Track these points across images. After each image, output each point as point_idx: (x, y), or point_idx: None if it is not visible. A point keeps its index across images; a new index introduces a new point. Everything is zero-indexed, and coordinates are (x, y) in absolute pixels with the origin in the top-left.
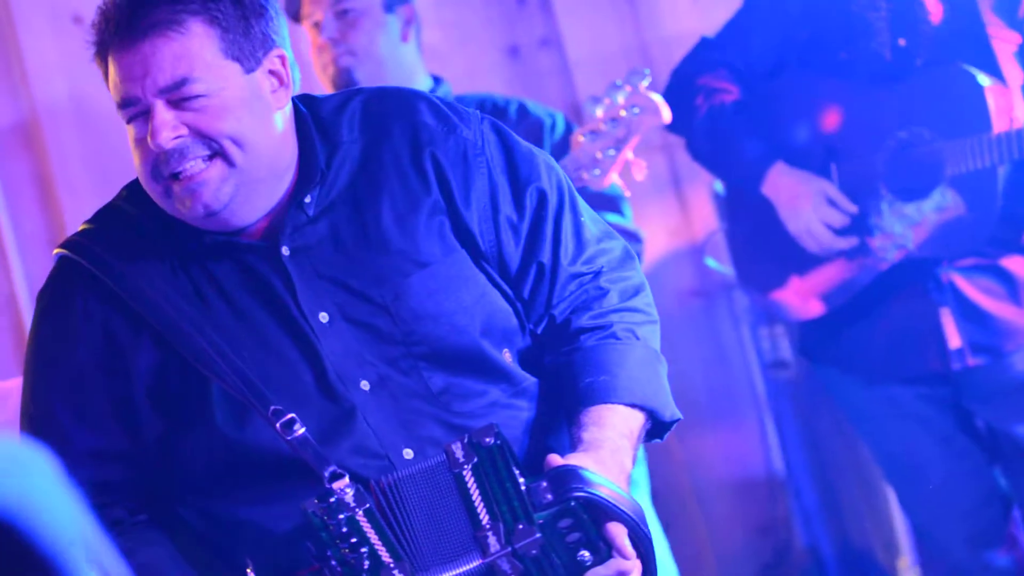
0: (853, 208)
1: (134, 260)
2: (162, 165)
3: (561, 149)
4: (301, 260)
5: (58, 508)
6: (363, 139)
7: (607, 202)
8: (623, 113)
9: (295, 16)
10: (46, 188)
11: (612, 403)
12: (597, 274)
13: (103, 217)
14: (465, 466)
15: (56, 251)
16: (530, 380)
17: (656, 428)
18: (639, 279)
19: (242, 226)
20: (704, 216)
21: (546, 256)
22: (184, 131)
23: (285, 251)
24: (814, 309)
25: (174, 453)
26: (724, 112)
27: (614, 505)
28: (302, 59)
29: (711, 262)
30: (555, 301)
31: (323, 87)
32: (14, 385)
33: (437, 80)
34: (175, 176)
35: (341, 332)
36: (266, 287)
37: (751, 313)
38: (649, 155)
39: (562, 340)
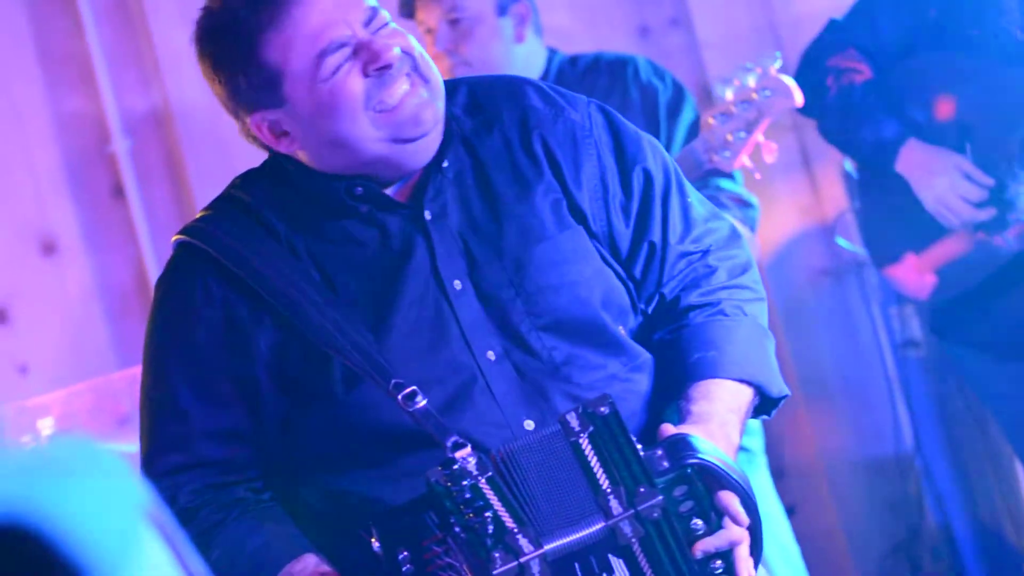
0: (990, 181)
1: (252, 243)
2: (375, 90)
3: (673, 110)
4: (441, 226)
5: (98, 513)
6: (473, 122)
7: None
8: (754, 96)
9: (409, 14)
10: (178, 176)
11: (720, 378)
12: (705, 253)
13: (219, 204)
14: (581, 435)
15: (175, 238)
16: (646, 355)
17: (764, 404)
18: (746, 257)
19: (425, 164)
20: (834, 195)
21: (656, 236)
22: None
23: (427, 215)
24: (928, 283)
25: (297, 432)
26: (854, 92)
27: (727, 473)
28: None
29: (842, 241)
30: (665, 280)
31: None
32: None
33: (552, 51)
34: (383, 107)
35: (471, 301)
36: (407, 250)
37: (881, 292)
38: (779, 135)
39: (671, 317)
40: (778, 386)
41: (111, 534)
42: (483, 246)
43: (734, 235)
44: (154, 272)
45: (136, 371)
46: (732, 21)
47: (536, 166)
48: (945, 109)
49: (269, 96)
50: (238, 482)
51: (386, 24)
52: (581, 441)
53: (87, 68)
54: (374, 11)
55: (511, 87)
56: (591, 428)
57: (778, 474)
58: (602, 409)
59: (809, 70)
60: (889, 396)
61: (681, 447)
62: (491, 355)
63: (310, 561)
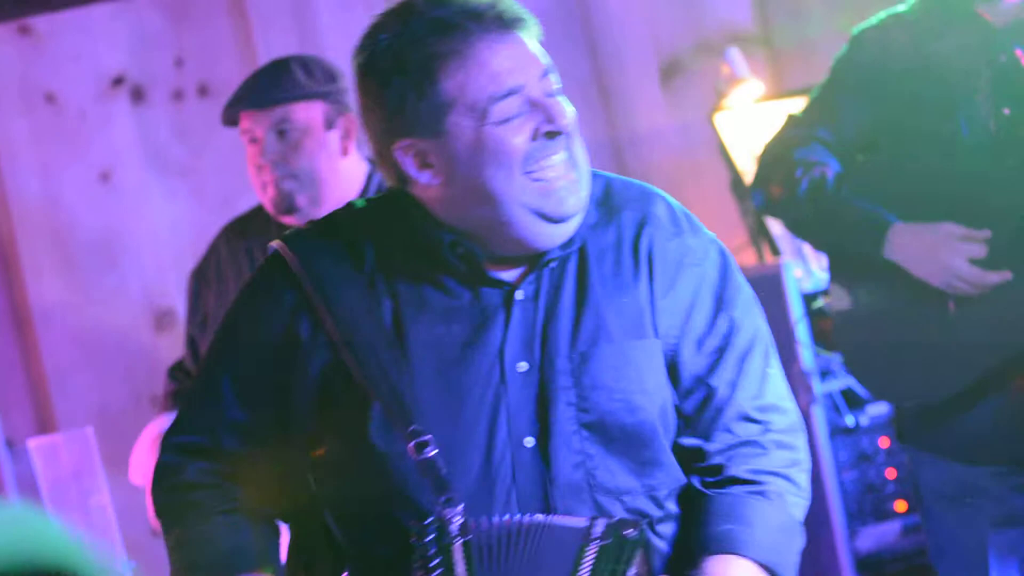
0: (986, 233)
1: (334, 269)
2: (536, 152)
3: None
4: (527, 307)
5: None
6: (598, 214)
7: None
8: None
9: (232, 121)
10: (11, 267)
11: (742, 555)
12: (766, 429)
13: (321, 224)
14: (595, 542)
15: (272, 243)
16: (681, 480)
17: None
18: (803, 454)
19: (549, 248)
20: None
21: (722, 382)
22: None
23: (519, 295)
24: None
25: (319, 456)
26: (826, 182)
27: None
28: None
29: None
30: (719, 429)
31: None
32: None
33: (373, 165)
34: (537, 176)
35: (530, 385)
36: (487, 321)
37: None
38: None
39: (711, 474)
40: None
41: None
42: (560, 335)
43: (799, 425)
44: None
45: None
46: None
47: (637, 269)
48: (915, 214)
49: (430, 124)
50: (239, 483)
51: (556, 88)
52: (590, 548)
53: None
54: (549, 70)
55: (644, 193)
56: (608, 541)
57: None
58: (629, 531)
59: (774, 166)
60: None
61: None
62: (528, 442)
63: None
